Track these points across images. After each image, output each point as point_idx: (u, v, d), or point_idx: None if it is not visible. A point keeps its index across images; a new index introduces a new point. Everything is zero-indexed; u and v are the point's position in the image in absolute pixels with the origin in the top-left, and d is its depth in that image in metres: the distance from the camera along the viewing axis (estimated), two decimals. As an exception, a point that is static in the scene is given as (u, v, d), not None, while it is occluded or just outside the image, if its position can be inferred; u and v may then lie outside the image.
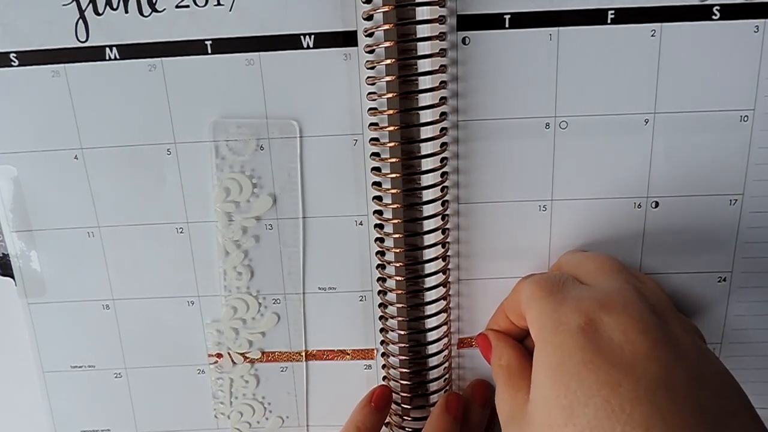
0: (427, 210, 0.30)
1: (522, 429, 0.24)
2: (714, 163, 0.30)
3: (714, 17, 0.28)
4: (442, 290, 0.31)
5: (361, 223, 0.31)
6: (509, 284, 0.32)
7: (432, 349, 0.32)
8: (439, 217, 0.30)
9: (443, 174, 0.30)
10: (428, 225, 0.30)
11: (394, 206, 0.30)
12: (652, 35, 0.28)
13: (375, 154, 0.30)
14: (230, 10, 0.28)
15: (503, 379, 0.27)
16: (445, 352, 0.32)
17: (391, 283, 0.31)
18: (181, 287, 0.32)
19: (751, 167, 0.30)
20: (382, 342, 0.33)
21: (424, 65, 0.28)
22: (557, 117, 0.29)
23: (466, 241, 0.31)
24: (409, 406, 0.33)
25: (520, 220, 0.31)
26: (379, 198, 0.30)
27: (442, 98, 0.29)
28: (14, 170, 0.31)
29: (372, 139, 0.30)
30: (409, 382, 0.32)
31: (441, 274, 0.31)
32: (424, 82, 0.28)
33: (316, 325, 0.33)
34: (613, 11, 0.28)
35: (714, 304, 0.32)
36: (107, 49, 0.29)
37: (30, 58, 0.29)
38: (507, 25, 0.28)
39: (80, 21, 0.28)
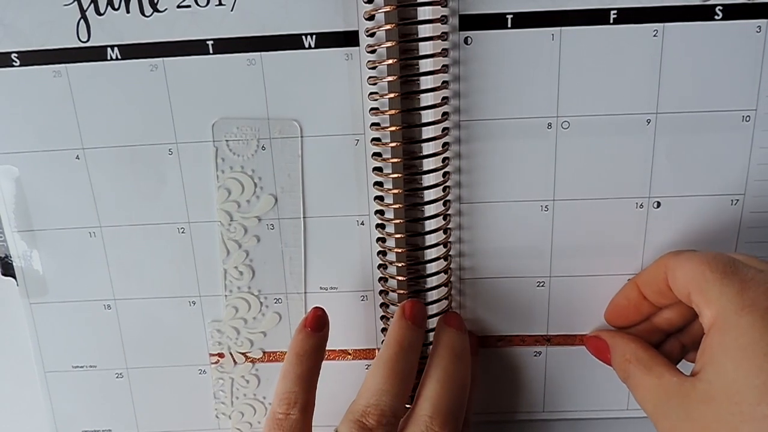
0: (429, 210, 0.30)
1: (690, 406, 0.24)
2: (716, 163, 0.30)
3: (716, 17, 0.28)
4: (444, 290, 0.31)
5: (362, 223, 0.32)
6: (511, 283, 0.32)
7: (434, 349, 0.32)
8: (441, 217, 0.30)
9: (445, 174, 0.30)
10: (430, 225, 0.30)
11: (396, 206, 0.31)
12: (654, 35, 0.29)
13: (376, 154, 0.30)
14: (232, 10, 0.29)
15: (637, 370, 0.27)
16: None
17: (392, 283, 0.32)
18: (182, 287, 0.33)
19: (752, 167, 0.30)
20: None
21: (425, 65, 0.28)
22: (559, 117, 0.30)
23: (468, 241, 0.32)
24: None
25: (522, 220, 0.31)
26: (380, 198, 0.31)
27: (444, 98, 0.29)
28: (16, 170, 0.31)
29: (373, 139, 0.30)
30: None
31: (443, 274, 0.31)
32: (426, 82, 0.29)
33: (318, 325, 0.34)
34: (615, 11, 0.28)
35: (715, 304, 0.32)
36: (109, 49, 0.29)
37: (31, 58, 0.29)
38: (509, 25, 0.29)
39: (82, 21, 0.29)
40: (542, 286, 0.32)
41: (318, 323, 0.30)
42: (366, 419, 0.27)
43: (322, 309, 0.31)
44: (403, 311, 0.30)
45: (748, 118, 0.29)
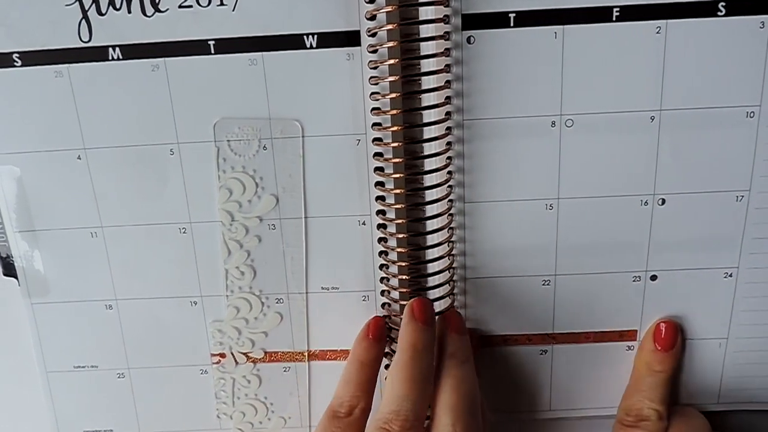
0: (431, 210, 0.31)
1: None
2: (720, 160, 0.31)
3: (719, 13, 0.29)
4: (446, 289, 0.33)
5: (364, 223, 0.33)
6: (516, 282, 0.33)
7: (437, 348, 0.34)
8: (443, 216, 0.32)
9: (448, 173, 0.31)
10: (431, 225, 0.31)
11: (398, 206, 0.32)
12: (658, 32, 0.30)
13: (378, 154, 0.31)
14: (233, 10, 0.30)
15: None
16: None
17: (394, 283, 0.33)
18: (183, 287, 0.34)
19: (757, 163, 0.31)
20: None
21: (427, 65, 0.29)
22: (563, 115, 0.31)
23: (472, 241, 0.33)
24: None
25: (527, 219, 0.32)
26: (382, 198, 0.32)
27: (446, 98, 0.30)
28: (17, 170, 0.32)
29: (375, 139, 0.31)
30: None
31: (444, 273, 0.32)
32: (428, 82, 0.30)
33: (319, 325, 0.35)
34: (618, 8, 0.29)
35: (720, 300, 0.33)
36: (110, 49, 0.30)
37: (33, 58, 0.30)
38: (512, 24, 0.30)
39: (83, 21, 0.30)
40: (547, 284, 0.34)
41: (380, 332, 0.33)
42: (389, 425, 0.28)
43: (383, 319, 0.34)
44: (412, 313, 0.31)
45: (752, 114, 0.31)
